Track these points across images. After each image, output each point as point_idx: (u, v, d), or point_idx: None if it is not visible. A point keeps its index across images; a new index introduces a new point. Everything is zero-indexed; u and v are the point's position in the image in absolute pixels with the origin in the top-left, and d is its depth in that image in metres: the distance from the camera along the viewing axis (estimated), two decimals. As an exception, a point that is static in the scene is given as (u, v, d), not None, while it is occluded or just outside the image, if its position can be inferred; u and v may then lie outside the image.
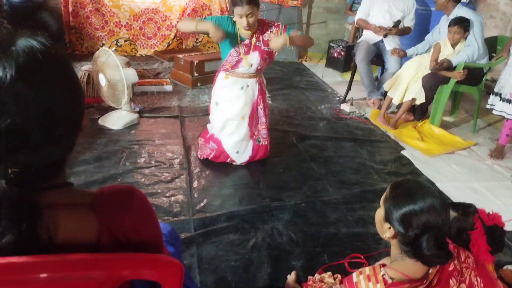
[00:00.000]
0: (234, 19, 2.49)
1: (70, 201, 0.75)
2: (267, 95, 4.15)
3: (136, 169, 2.64)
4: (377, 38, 4.08)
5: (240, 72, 2.62)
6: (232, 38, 2.54)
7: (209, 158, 2.79)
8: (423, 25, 4.37)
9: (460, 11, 3.58)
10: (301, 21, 5.90)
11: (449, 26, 3.53)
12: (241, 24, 2.44)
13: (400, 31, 4.04)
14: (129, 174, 2.58)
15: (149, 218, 0.83)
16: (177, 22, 5.27)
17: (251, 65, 2.59)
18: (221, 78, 2.71)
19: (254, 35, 2.55)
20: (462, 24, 3.44)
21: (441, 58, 3.53)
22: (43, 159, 0.70)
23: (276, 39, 2.40)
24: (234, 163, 2.80)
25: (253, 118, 2.75)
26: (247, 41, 2.55)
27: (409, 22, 4.09)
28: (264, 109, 2.78)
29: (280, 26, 2.58)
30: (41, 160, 0.70)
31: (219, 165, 2.78)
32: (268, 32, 2.56)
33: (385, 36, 4.00)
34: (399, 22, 3.47)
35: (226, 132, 2.73)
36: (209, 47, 5.67)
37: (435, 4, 3.75)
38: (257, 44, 2.56)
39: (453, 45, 3.54)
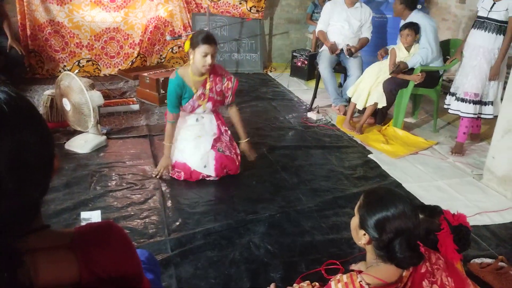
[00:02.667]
0: (190, 61, 2.56)
1: (48, 244, 0.75)
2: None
3: (108, 193, 2.59)
4: (339, 46, 4.19)
5: (197, 113, 2.78)
6: (187, 96, 2.65)
7: (180, 179, 2.79)
8: (381, 32, 4.52)
9: (416, 15, 3.73)
10: (263, 33, 5.99)
11: (400, 30, 3.69)
12: (204, 63, 2.51)
13: (358, 47, 4.15)
14: (100, 198, 2.53)
15: (128, 252, 0.83)
16: (140, 40, 5.24)
17: (204, 111, 2.75)
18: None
19: (207, 84, 2.65)
20: (412, 27, 3.61)
21: (397, 61, 3.66)
22: (19, 205, 0.70)
23: (248, 151, 2.89)
24: (209, 178, 2.80)
25: (218, 140, 2.83)
26: (199, 92, 2.66)
27: (366, 30, 4.23)
28: (226, 131, 2.90)
29: (232, 80, 2.75)
30: (17, 206, 0.69)
31: (191, 183, 2.77)
32: (221, 84, 2.72)
33: (344, 52, 4.13)
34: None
35: (188, 153, 2.76)
36: (174, 63, 5.65)
37: (393, 11, 3.90)
38: (210, 95, 2.70)
39: (408, 48, 3.69)
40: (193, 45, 2.52)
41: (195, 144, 2.76)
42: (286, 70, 5.75)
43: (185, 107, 2.69)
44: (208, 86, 2.68)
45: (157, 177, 2.76)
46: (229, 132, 2.94)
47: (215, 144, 2.80)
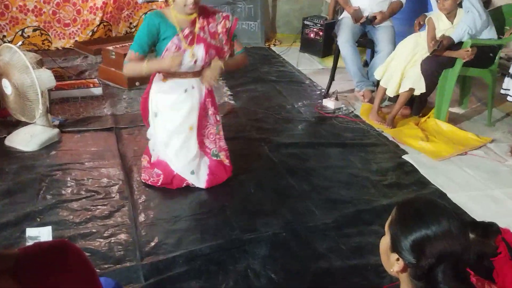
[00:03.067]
0: (169, 1, 2.54)
1: None
2: (228, 93, 4.25)
3: (61, 203, 2.59)
4: (364, 12, 4.18)
5: (182, 71, 2.65)
6: (170, 33, 2.59)
7: (157, 186, 2.78)
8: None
9: None
10: (265, -5, 5.99)
11: None
12: (185, 3, 2.48)
13: (388, 14, 4.14)
14: (51, 210, 2.53)
15: (88, 280, 0.83)
16: (103, 3, 5.22)
17: (195, 61, 2.63)
18: (157, 81, 2.74)
19: (197, 23, 2.61)
20: None
21: (438, 35, 3.66)
22: None
23: (210, 72, 2.62)
24: (193, 186, 2.80)
25: (201, 127, 2.78)
26: (187, 31, 2.59)
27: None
28: (215, 114, 2.83)
29: (230, 18, 2.71)
30: None
31: (171, 191, 2.78)
32: (215, 24, 2.67)
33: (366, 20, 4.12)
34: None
35: (172, 150, 2.75)
36: (147, 33, 5.64)
37: None
38: (201, 35, 2.62)
39: (449, 17, 3.68)
40: None
41: (183, 140, 2.73)
42: (295, 44, 5.75)
43: (168, 47, 2.58)
44: (198, 25, 2.61)
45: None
46: (219, 117, 2.89)
47: (207, 145, 2.80)
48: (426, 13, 3.96)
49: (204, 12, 2.66)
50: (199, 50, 2.62)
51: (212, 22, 2.66)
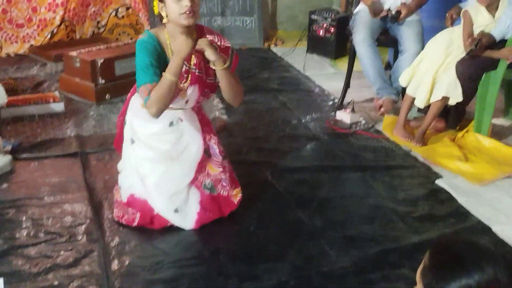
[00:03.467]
0: (164, 20, 2.60)
1: None
2: (220, 105, 4.26)
3: (15, 250, 2.58)
4: (385, 4, 4.22)
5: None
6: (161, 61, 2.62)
7: (133, 225, 2.79)
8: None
9: None
10: (262, -16, 6.04)
11: None
12: (180, 10, 2.52)
13: (414, 6, 4.19)
14: (3, 259, 2.52)
15: None
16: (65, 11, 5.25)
17: (187, 101, 2.73)
18: (134, 104, 2.77)
19: (192, 59, 2.67)
20: None
21: (476, 32, 3.68)
22: None
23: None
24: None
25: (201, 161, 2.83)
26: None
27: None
28: (218, 143, 2.88)
29: (230, 53, 2.75)
30: None
31: (152, 231, 2.77)
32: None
33: (388, 17, 4.16)
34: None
35: (151, 182, 2.75)
36: (119, 34, 5.69)
37: None
38: (196, 73, 2.68)
39: (490, 9, 3.71)
40: None
41: (165, 170, 2.75)
42: (300, 43, 5.80)
43: None
44: (193, 60, 2.68)
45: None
46: (218, 143, 2.93)
47: (200, 174, 2.81)
48: (460, 4, 3.98)
49: (199, 35, 2.70)
50: (193, 92, 2.71)
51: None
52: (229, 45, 2.79)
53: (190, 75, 2.69)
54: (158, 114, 2.52)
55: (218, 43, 2.75)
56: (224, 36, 2.86)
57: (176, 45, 2.55)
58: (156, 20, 2.75)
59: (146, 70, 2.55)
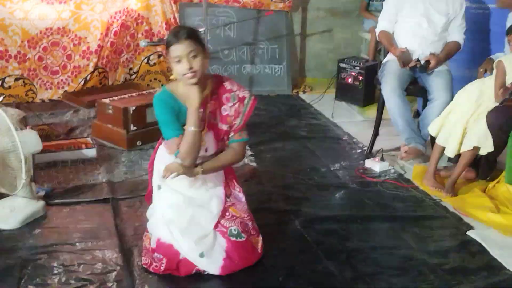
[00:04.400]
0: (172, 77, 2.74)
1: None
2: (249, 152, 4.28)
3: (47, 295, 2.59)
4: (414, 54, 4.24)
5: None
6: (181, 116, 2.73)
7: (160, 273, 2.78)
8: (481, 32, 4.58)
9: None
10: (292, 33, 6.12)
11: (507, 33, 3.74)
12: (181, 71, 2.62)
13: (443, 57, 4.22)
14: (35, 305, 2.54)
15: None
16: (99, 46, 5.38)
17: (206, 149, 2.80)
18: (163, 153, 2.86)
19: (207, 107, 2.75)
20: None
21: (508, 82, 3.68)
22: None
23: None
24: (206, 272, 2.79)
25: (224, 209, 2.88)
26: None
27: (456, 30, 4.30)
28: (242, 191, 2.97)
29: (246, 101, 2.84)
30: None
31: (179, 279, 2.75)
32: (229, 105, 2.81)
33: (417, 67, 4.18)
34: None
35: (177, 227, 2.76)
36: (151, 80, 5.77)
37: (497, 0, 3.96)
38: (211, 121, 2.77)
39: None
40: (167, 51, 2.69)
41: (192, 214, 2.78)
42: (329, 91, 5.83)
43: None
44: (208, 108, 2.77)
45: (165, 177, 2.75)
46: (242, 192, 3.00)
47: (222, 219, 2.83)
48: (492, 56, 3.99)
49: (219, 87, 2.81)
50: (210, 139, 2.80)
51: (225, 104, 2.81)
52: (246, 95, 2.86)
53: (206, 123, 2.76)
54: (192, 163, 2.69)
55: (237, 93, 2.83)
56: (243, 86, 2.93)
57: (187, 97, 2.66)
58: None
59: (169, 124, 2.72)
